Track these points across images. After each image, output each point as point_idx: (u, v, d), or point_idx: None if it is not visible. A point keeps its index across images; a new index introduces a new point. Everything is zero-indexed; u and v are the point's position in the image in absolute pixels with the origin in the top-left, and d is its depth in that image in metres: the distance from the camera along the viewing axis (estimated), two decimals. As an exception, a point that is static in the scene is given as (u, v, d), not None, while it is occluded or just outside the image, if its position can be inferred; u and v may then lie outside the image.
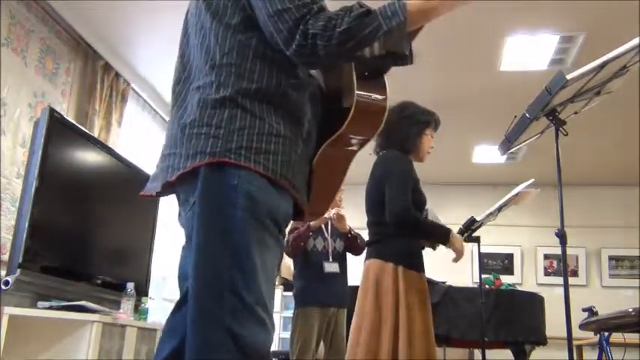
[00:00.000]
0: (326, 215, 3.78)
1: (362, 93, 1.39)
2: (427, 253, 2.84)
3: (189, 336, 1.18)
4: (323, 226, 3.99)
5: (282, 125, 1.29)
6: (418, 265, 2.70)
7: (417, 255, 2.73)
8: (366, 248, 2.81)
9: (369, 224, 2.79)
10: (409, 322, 2.52)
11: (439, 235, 2.69)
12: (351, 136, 1.43)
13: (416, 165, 2.84)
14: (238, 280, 1.17)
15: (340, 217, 3.90)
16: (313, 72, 1.45)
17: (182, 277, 1.36)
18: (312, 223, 3.87)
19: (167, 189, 1.36)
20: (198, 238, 1.22)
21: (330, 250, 3.95)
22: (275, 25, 1.24)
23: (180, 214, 1.41)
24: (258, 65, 1.29)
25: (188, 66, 1.39)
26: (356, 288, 2.75)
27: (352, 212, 3.86)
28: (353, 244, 3.99)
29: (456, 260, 2.72)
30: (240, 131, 1.24)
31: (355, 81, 1.39)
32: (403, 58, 1.32)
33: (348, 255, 4.07)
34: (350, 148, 1.47)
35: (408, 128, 2.75)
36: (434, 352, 2.58)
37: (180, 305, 1.31)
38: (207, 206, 1.22)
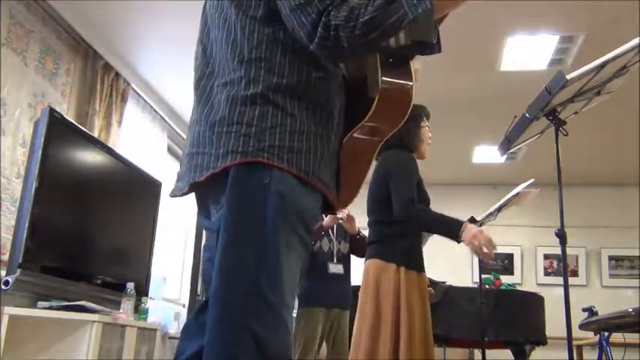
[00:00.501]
0: (338, 215, 3.80)
1: (387, 80, 1.34)
2: (427, 254, 2.84)
3: (210, 337, 1.15)
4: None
5: (314, 122, 1.26)
6: (419, 266, 2.70)
7: (418, 255, 2.74)
8: (367, 248, 2.81)
9: (370, 224, 2.80)
10: (410, 323, 2.53)
11: (450, 229, 2.50)
12: (376, 125, 1.38)
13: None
14: (264, 281, 1.14)
15: (350, 219, 3.92)
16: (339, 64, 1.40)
17: (208, 280, 1.31)
18: (324, 222, 3.89)
19: (194, 189, 1.31)
20: (224, 237, 1.19)
21: (335, 252, 3.97)
22: (298, 19, 1.19)
23: (199, 214, 1.37)
24: (287, 59, 1.25)
25: (212, 61, 1.34)
26: (358, 288, 2.76)
27: (356, 212, 3.86)
28: (360, 245, 3.98)
29: (480, 257, 2.49)
30: (272, 130, 1.21)
31: (379, 69, 1.33)
32: (431, 46, 1.28)
33: (352, 257, 4.08)
34: (375, 137, 1.42)
35: (407, 125, 2.75)
36: (432, 353, 2.59)
37: (204, 307, 1.27)
38: (236, 206, 1.19)
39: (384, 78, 1.33)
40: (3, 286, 2.74)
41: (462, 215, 3.58)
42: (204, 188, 1.28)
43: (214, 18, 1.34)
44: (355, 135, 1.38)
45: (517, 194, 3.10)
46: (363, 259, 2.81)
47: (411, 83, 1.38)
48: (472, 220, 3.33)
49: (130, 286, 3.52)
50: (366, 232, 2.98)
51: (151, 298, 4.16)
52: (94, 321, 3.01)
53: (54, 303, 3.04)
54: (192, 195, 1.37)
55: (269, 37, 1.25)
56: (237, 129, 1.21)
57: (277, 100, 1.23)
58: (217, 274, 1.18)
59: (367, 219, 2.82)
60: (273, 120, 1.21)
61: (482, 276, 3.93)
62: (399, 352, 2.48)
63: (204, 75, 1.35)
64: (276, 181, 1.19)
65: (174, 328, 5.05)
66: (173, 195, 1.38)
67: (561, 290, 2.18)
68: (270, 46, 1.25)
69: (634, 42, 2.03)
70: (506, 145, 2.54)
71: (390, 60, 1.36)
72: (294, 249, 1.20)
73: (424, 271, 2.74)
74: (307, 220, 1.24)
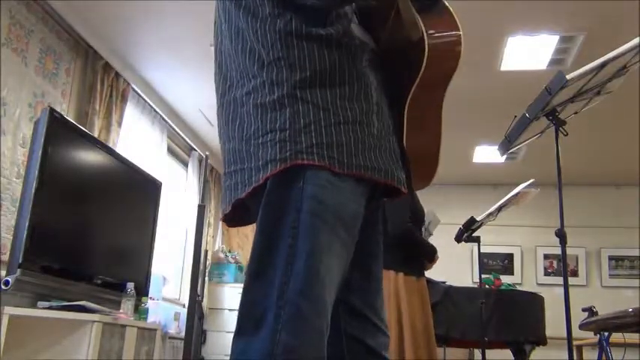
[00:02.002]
0: None
1: (430, 35, 1.24)
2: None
3: (240, 346, 1.10)
4: None
5: (350, 109, 1.19)
6: (418, 271, 2.79)
7: (416, 261, 2.81)
8: None
9: None
10: (412, 323, 2.58)
11: (429, 254, 2.89)
12: (429, 85, 1.26)
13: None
14: (297, 288, 1.08)
15: None
16: (365, 38, 1.30)
17: None
18: None
19: (239, 207, 1.24)
20: (256, 245, 1.14)
21: None
22: None
23: None
24: (305, 49, 1.19)
25: (229, 75, 1.29)
26: None
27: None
28: None
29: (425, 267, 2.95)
30: (306, 128, 1.15)
31: (422, 24, 1.24)
32: None
33: None
34: (433, 99, 1.32)
35: None
36: (435, 350, 2.63)
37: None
38: (269, 212, 1.14)
39: (427, 38, 1.24)
40: (3, 286, 2.73)
41: (462, 215, 3.59)
42: (250, 204, 1.22)
43: (226, 32, 1.30)
44: (411, 105, 1.27)
45: (517, 194, 3.10)
46: None
47: (453, 27, 1.29)
48: (472, 220, 3.34)
49: (130, 286, 3.52)
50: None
51: (151, 298, 4.16)
52: (94, 321, 3.01)
53: (54, 303, 3.04)
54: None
55: (281, 32, 1.20)
56: (272, 137, 1.15)
57: (306, 95, 1.17)
58: (248, 283, 1.13)
59: None
60: (305, 118, 1.16)
61: (483, 276, 3.93)
62: (405, 352, 2.52)
63: (225, 92, 1.30)
64: (310, 181, 1.13)
65: (174, 328, 5.05)
66: (222, 219, 1.34)
67: (561, 290, 2.18)
68: (285, 41, 1.19)
69: (634, 42, 2.03)
70: (506, 145, 2.54)
71: (423, 4, 1.28)
72: (332, 252, 1.13)
73: (424, 275, 2.80)
74: (346, 220, 1.16)
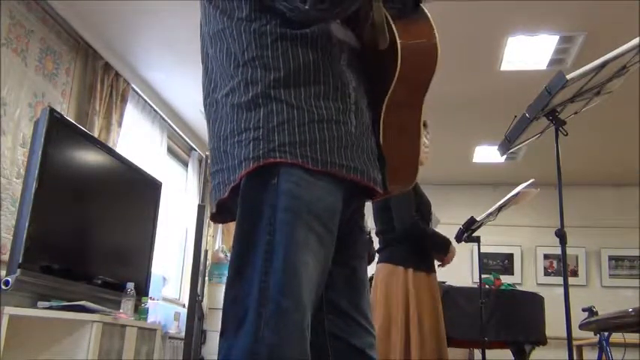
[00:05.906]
0: None
1: (404, 42, 1.24)
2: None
3: (225, 349, 1.11)
4: None
5: (325, 108, 1.19)
6: (428, 267, 2.76)
7: (425, 256, 2.79)
8: (377, 254, 2.89)
9: (378, 232, 2.87)
10: (420, 321, 2.57)
11: (441, 247, 2.85)
12: (406, 91, 1.28)
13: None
14: (276, 286, 1.09)
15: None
16: (345, 36, 1.31)
17: None
18: None
19: (223, 207, 1.25)
20: (236, 243, 1.15)
21: None
22: None
23: None
24: (280, 49, 1.19)
25: (213, 77, 1.31)
26: None
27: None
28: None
29: (440, 265, 2.92)
30: (280, 127, 1.15)
31: (392, 24, 1.25)
32: None
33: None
34: (410, 105, 1.32)
35: None
36: (445, 350, 2.61)
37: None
38: (246, 210, 1.15)
39: (400, 41, 1.24)
40: (3, 286, 2.73)
41: (462, 215, 3.59)
42: (231, 204, 1.22)
43: (207, 34, 1.32)
44: (388, 108, 1.28)
45: (517, 194, 3.10)
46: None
47: (428, 34, 1.29)
48: (472, 220, 3.33)
49: (130, 286, 3.52)
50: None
51: (151, 298, 4.16)
52: (94, 321, 3.01)
53: (54, 303, 3.04)
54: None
55: (256, 32, 1.21)
56: (246, 136, 1.17)
57: (280, 95, 1.17)
58: (230, 279, 1.14)
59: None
60: (279, 117, 1.16)
61: (483, 276, 3.93)
62: (411, 352, 2.51)
63: (209, 93, 1.32)
64: (283, 179, 1.13)
65: (174, 328, 5.05)
66: (211, 219, 1.35)
67: (561, 290, 2.18)
68: (259, 42, 1.20)
69: (634, 42, 2.03)
70: (506, 145, 2.54)
71: (401, 10, 1.29)
72: (310, 247, 1.14)
73: (434, 271, 2.78)
74: (322, 214, 1.16)
